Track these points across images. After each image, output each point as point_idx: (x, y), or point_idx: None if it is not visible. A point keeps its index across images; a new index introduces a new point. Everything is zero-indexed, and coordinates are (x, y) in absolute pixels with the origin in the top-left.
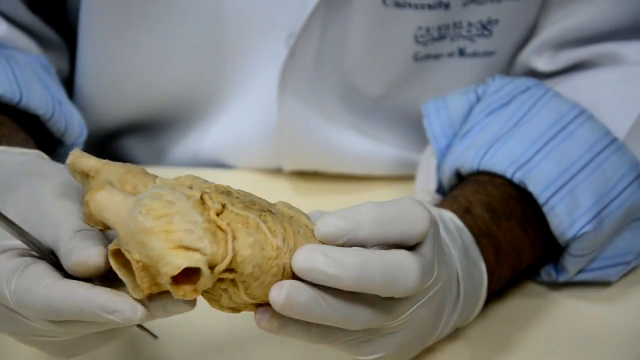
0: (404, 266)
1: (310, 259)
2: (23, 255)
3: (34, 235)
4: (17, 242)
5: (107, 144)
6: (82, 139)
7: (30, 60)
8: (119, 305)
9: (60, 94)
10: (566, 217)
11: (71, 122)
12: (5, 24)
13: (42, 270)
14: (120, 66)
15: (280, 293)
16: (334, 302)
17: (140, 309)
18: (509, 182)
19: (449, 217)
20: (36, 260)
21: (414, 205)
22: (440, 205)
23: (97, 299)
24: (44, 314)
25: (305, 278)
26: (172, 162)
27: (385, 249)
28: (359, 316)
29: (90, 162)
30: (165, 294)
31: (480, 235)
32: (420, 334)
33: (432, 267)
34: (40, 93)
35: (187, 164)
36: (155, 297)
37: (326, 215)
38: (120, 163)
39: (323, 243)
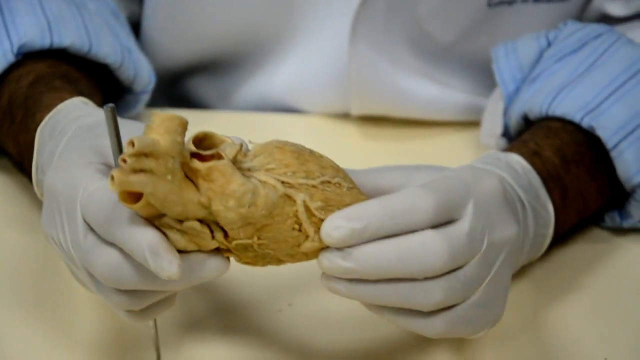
0: (424, 247)
1: (329, 258)
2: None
3: None
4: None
5: (173, 84)
6: (151, 86)
7: (100, 7)
8: (164, 253)
9: (130, 42)
10: (634, 162)
11: (140, 71)
12: None
13: None
14: (187, 6)
15: (323, 282)
16: (367, 285)
17: (177, 264)
18: (580, 129)
19: (516, 160)
20: None
21: (417, 194)
22: (509, 148)
23: (152, 238)
24: (100, 226)
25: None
26: (239, 105)
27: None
28: (399, 293)
29: None
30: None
31: (548, 178)
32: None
33: (472, 241)
34: (109, 42)
35: (254, 106)
36: (190, 255)
37: (332, 217)
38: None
39: (333, 246)
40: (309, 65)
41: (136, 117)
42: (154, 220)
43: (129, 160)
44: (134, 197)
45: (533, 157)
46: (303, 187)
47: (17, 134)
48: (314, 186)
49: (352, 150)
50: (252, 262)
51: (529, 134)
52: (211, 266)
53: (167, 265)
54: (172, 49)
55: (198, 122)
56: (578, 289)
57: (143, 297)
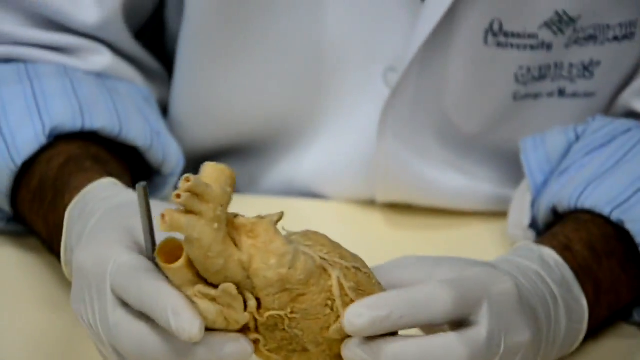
0: (445, 352)
1: (352, 350)
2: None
3: None
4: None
5: (199, 168)
6: (179, 169)
7: (131, 91)
8: (185, 314)
9: (160, 125)
10: None
11: (169, 153)
12: (110, 54)
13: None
14: (215, 92)
15: None
16: None
17: (198, 326)
18: (609, 222)
19: (548, 254)
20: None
21: (437, 288)
22: (540, 242)
23: (176, 299)
24: (129, 294)
25: None
26: (266, 189)
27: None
28: None
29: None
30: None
31: (580, 272)
32: None
33: (490, 345)
34: (139, 125)
35: (280, 191)
36: (215, 334)
37: (355, 304)
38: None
39: (355, 334)
40: (336, 152)
41: (164, 199)
42: (187, 287)
43: (183, 195)
44: (172, 259)
45: (564, 252)
46: (338, 265)
47: (47, 215)
48: (347, 267)
49: (376, 238)
50: (276, 352)
51: (559, 227)
52: (233, 348)
53: (189, 325)
54: (199, 133)
55: None
56: None
57: None
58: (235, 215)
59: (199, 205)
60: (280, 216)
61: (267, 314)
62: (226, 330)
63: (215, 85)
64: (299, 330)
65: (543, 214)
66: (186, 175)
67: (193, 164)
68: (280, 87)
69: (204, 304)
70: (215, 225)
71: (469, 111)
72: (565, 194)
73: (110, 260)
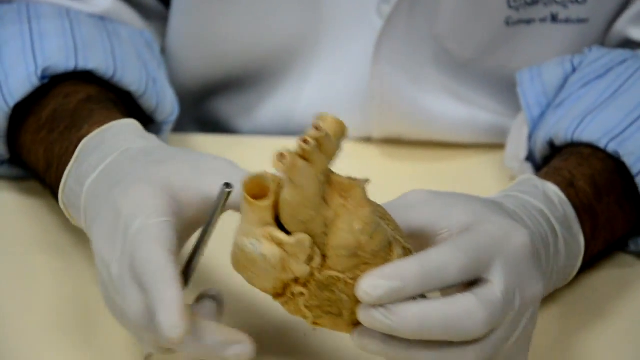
0: (467, 315)
1: (371, 314)
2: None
3: None
4: None
5: (198, 104)
6: (173, 117)
7: (133, 35)
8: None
9: (158, 73)
10: None
11: (163, 101)
12: None
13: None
14: (212, 24)
15: (355, 339)
16: (401, 345)
17: (179, 333)
18: (611, 155)
19: (553, 190)
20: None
21: (450, 254)
22: (543, 176)
23: (173, 291)
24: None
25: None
26: (263, 121)
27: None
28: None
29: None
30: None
31: (581, 209)
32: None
33: (507, 304)
34: (135, 69)
35: (277, 125)
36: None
37: (370, 275)
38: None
39: (371, 304)
40: (332, 86)
41: None
42: (258, 226)
43: (310, 142)
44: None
45: (568, 188)
46: (399, 244)
47: (54, 143)
48: (404, 247)
49: (374, 172)
50: (312, 309)
51: (562, 162)
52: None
53: (171, 326)
54: (196, 66)
55: (222, 146)
56: (606, 314)
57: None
58: (331, 171)
59: (317, 155)
60: (367, 182)
61: (329, 273)
62: (276, 278)
63: (212, 18)
64: (346, 296)
65: (540, 147)
66: (317, 123)
67: (190, 102)
68: (276, 19)
69: (270, 248)
70: (322, 177)
71: (462, 37)
72: (561, 127)
73: (140, 216)
